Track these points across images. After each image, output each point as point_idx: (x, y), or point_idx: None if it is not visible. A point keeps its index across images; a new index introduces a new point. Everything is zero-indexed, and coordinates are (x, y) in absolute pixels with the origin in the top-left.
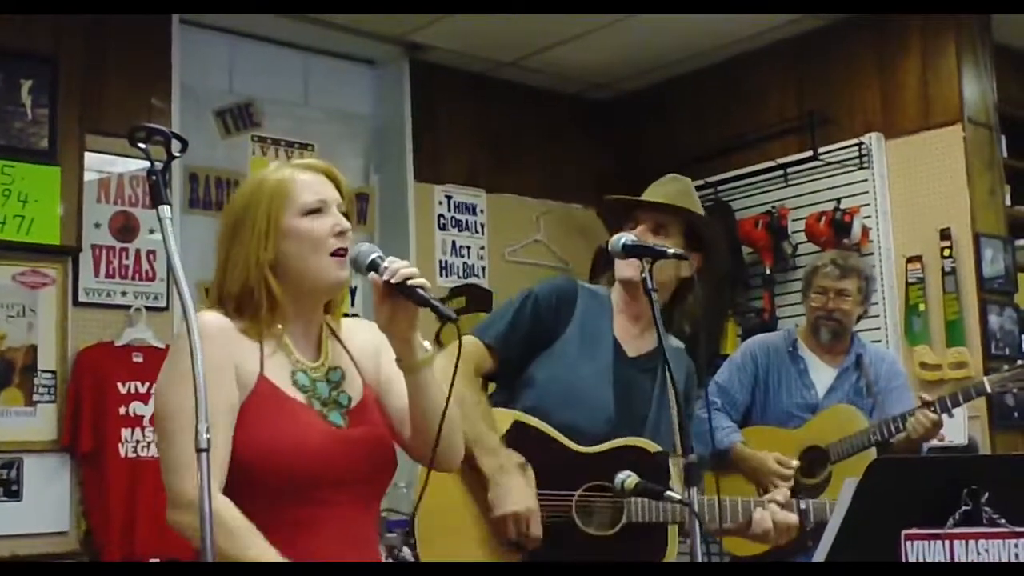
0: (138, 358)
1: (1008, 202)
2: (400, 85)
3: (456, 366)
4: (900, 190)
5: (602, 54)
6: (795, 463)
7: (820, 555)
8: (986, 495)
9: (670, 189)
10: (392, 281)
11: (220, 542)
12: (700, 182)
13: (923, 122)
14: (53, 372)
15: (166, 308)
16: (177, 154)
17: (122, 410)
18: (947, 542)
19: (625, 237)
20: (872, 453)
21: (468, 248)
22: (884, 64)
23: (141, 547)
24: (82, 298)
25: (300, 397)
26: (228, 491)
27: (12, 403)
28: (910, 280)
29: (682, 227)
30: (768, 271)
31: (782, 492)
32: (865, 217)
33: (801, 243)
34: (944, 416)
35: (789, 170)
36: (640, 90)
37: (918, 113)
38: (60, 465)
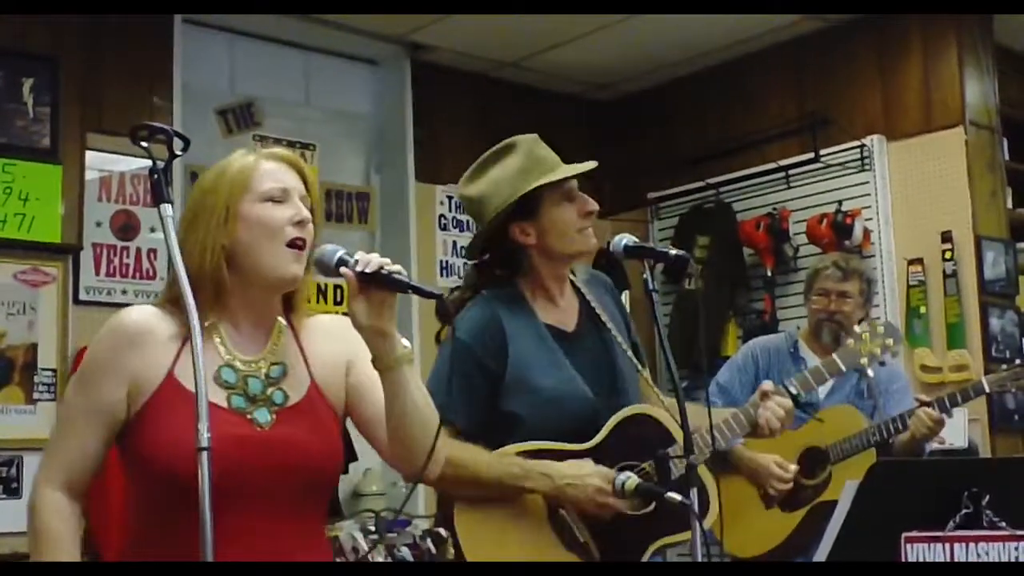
0: None
1: (1009, 205)
2: (401, 85)
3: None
4: (901, 192)
5: (603, 55)
6: (794, 467)
7: (821, 556)
8: (987, 498)
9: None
10: (367, 271)
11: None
12: (701, 183)
13: (924, 124)
14: (53, 370)
15: None
16: (179, 153)
17: None
18: (947, 544)
19: (626, 238)
20: (872, 453)
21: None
22: (886, 66)
23: None
24: (83, 296)
25: (217, 396)
26: (148, 499)
27: (12, 401)
28: (911, 283)
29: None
30: (769, 273)
31: (768, 383)
32: (866, 219)
33: (802, 245)
34: (944, 417)
35: (790, 172)
36: (641, 91)
37: (919, 115)
38: None
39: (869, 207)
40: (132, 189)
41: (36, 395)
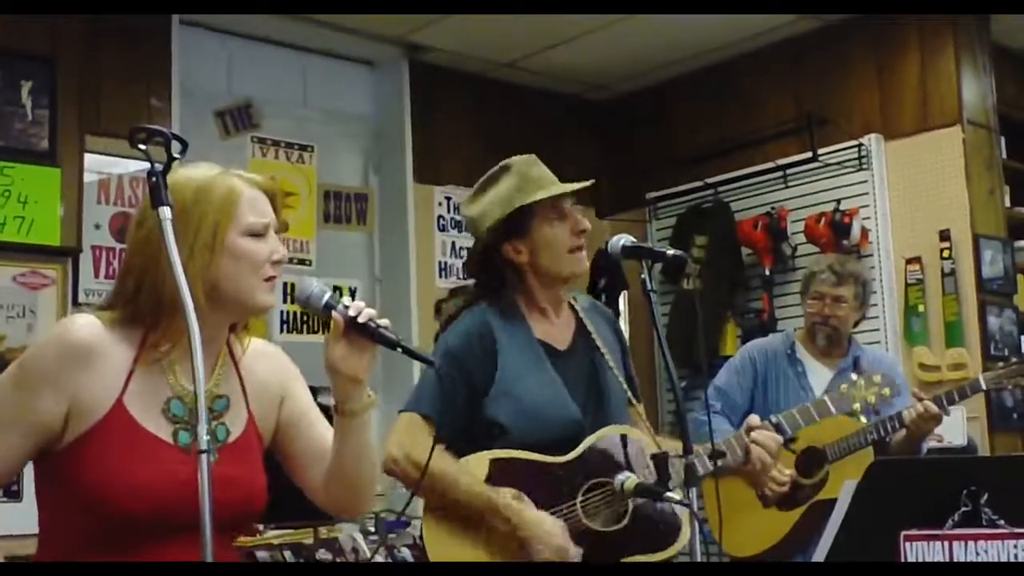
0: None
1: (1007, 203)
2: (399, 86)
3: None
4: (899, 191)
5: (601, 55)
6: (788, 471)
7: (820, 555)
8: (985, 496)
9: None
10: (359, 320)
11: None
12: (699, 183)
13: (922, 123)
14: None
15: None
16: (177, 155)
17: None
18: (946, 543)
19: (624, 239)
20: (869, 452)
21: (467, 249)
22: (883, 65)
23: None
24: (82, 299)
25: (163, 430)
26: (85, 532)
27: None
28: (909, 281)
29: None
30: (767, 272)
31: (754, 416)
32: (864, 218)
33: (800, 244)
34: (940, 414)
35: (788, 171)
36: (639, 91)
37: (917, 114)
38: None
39: (867, 206)
40: (131, 191)
41: None
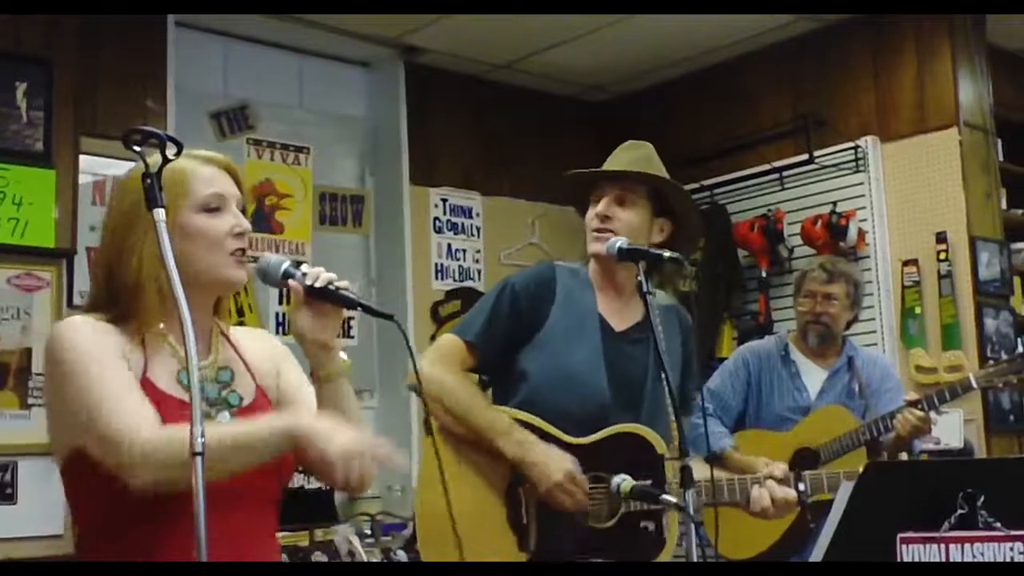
0: None
1: (1004, 205)
2: (395, 87)
3: (414, 364)
4: (896, 193)
5: (597, 57)
6: (784, 466)
7: (816, 558)
8: (982, 498)
9: (632, 156)
10: (316, 285)
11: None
12: (696, 185)
13: (919, 125)
14: None
15: None
16: (172, 157)
17: None
18: (943, 545)
19: (620, 241)
20: (862, 453)
21: (463, 251)
22: (879, 67)
23: None
24: (77, 301)
25: (185, 397)
26: (116, 498)
27: (7, 406)
28: (906, 283)
29: (647, 194)
30: (764, 274)
31: (780, 467)
32: (861, 220)
33: (797, 246)
34: (933, 415)
35: (785, 173)
36: (635, 92)
37: (914, 116)
38: (55, 468)
39: (864, 208)
40: None
41: (31, 400)
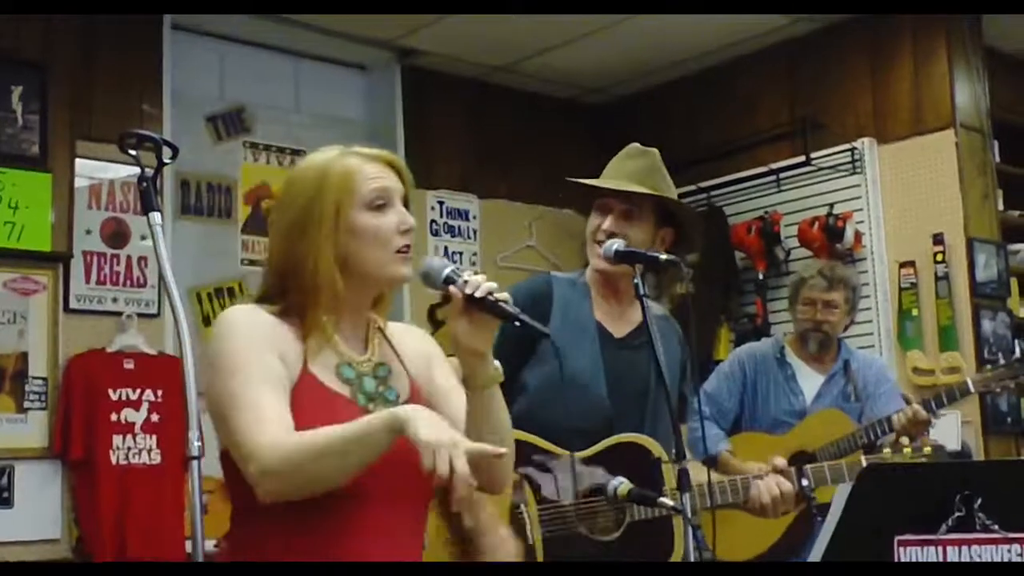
0: (129, 365)
1: (1000, 207)
2: (392, 90)
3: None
4: (893, 195)
5: (595, 59)
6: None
7: (814, 559)
8: (979, 500)
9: (637, 166)
10: (476, 295)
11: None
12: (693, 187)
13: (915, 127)
14: (44, 379)
15: (157, 315)
16: (168, 161)
17: (113, 417)
18: (940, 547)
19: (617, 243)
20: (859, 456)
21: (461, 254)
22: (876, 69)
23: (132, 554)
24: (73, 305)
25: (344, 391)
26: (286, 504)
27: (3, 410)
28: (903, 285)
29: (652, 206)
30: (761, 276)
31: (779, 460)
32: (858, 222)
33: (794, 248)
34: (930, 417)
35: (782, 175)
36: (633, 95)
37: (910, 118)
38: (51, 472)
39: (860, 210)
40: (122, 196)
41: (27, 404)
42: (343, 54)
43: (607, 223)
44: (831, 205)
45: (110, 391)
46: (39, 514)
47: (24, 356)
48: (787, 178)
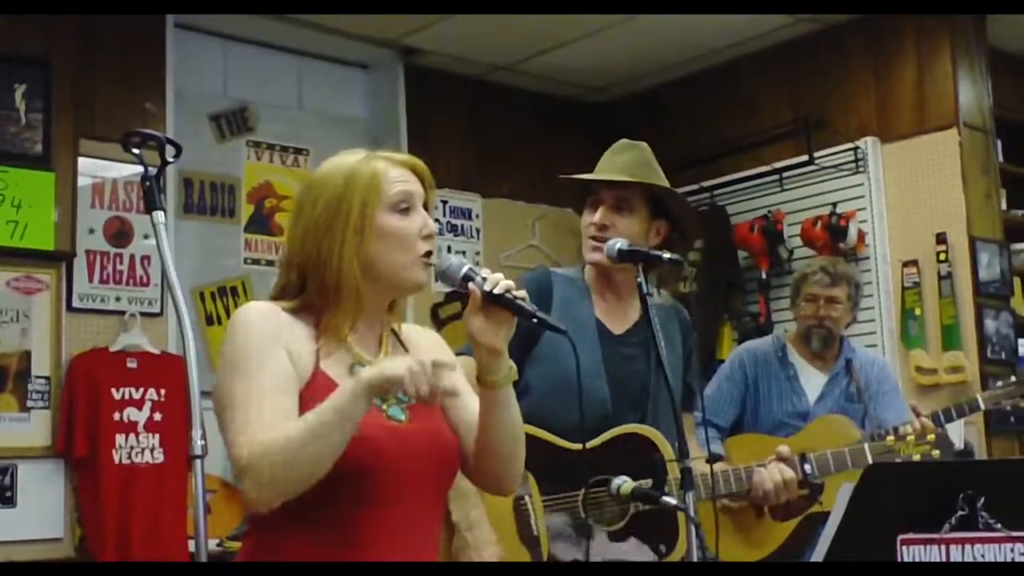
0: (132, 364)
1: (1004, 206)
2: (395, 89)
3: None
4: (896, 194)
5: (597, 58)
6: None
7: (817, 558)
8: (982, 500)
9: (627, 159)
10: (495, 292)
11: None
12: (696, 186)
13: (919, 126)
14: (47, 378)
15: (160, 314)
16: (171, 159)
17: (116, 416)
18: (943, 546)
19: (620, 242)
20: (863, 444)
21: (463, 253)
22: (879, 68)
23: (136, 553)
24: (76, 303)
25: None
26: (305, 500)
27: (6, 409)
28: (906, 284)
29: (644, 198)
30: (764, 275)
31: (783, 448)
32: (861, 221)
33: (797, 248)
34: (938, 430)
35: (785, 174)
36: (636, 94)
37: (914, 117)
38: (54, 471)
39: (863, 209)
40: (125, 195)
41: (30, 403)
42: (346, 53)
43: (598, 216)
44: (834, 204)
45: (113, 390)
46: (42, 513)
47: (27, 355)
48: (790, 177)
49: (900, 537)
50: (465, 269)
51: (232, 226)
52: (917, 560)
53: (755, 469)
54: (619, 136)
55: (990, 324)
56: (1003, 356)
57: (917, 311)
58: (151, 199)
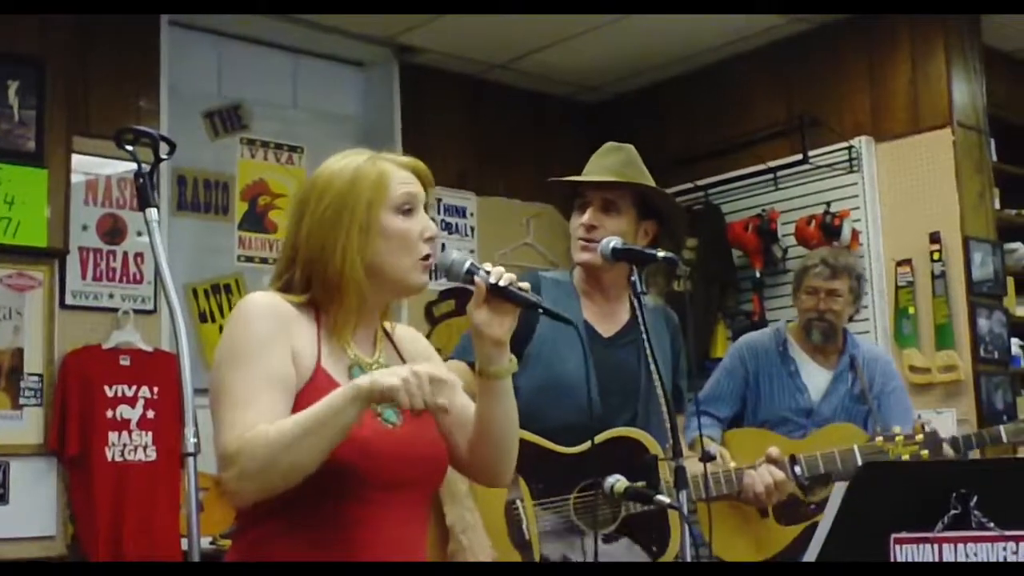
0: (125, 361)
1: (997, 206)
2: (389, 87)
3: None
4: (890, 193)
5: (592, 57)
6: (732, 464)
7: (810, 557)
8: (975, 499)
9: (614, 160)
10: (500, 284)
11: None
12: (690, 185)
13: (913, 125)
14: (40, 375)
15: (154, 311)
16: (164, 156)
17: (109, 413)
18: (936, 545)
19: (614, 241)
20: (852, 446)
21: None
22: (874, 67)
23: (128, 551)
24: (69, 301)
25: None
26: (297, 499)
27: None
28: (900, 283)
29: (632, 199)
30: (758, 274)
31: (774, 449)
32: (855, 220)
33: (791, 246)
34: (931, 416)
35: (779, 173)
36: (630, 93)
37: (908, 116)
38: (47, 469)
39: (857, 208)
40: (119, 192)
41: (22, 400)
42: (341, 51)
43: (587, 216)
44: (828, 203)
45: (106, 387)
46: (34, 511)
47: (20, 352)
48: (784, 176)
49: (893, 536)
50: (468, 264)
51: (226, 223)
52: (910, 559)
53: (745, 471)
54: (614, 134)
55: (983, 323)
56: (996, 355)
57: (910, 310)
58: (144, 196)
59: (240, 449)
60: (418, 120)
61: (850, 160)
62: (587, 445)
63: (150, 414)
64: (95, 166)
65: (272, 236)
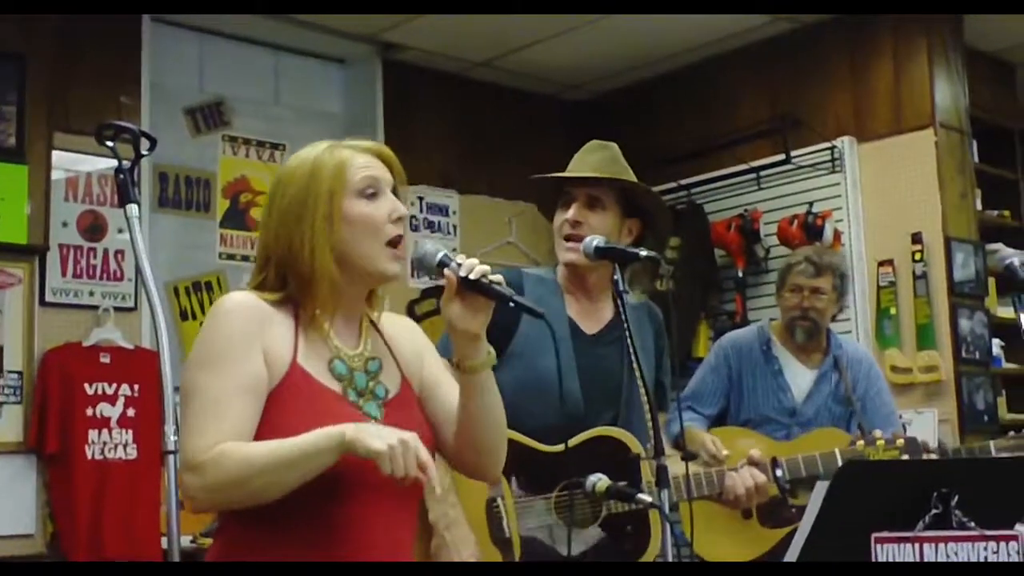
0: (105, 359)
1: (979, 206)
2: (372, 84)
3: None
4: (872, 194)
5: (576, 55)
6: (726, 452)
7: (791, 557)
8: (956, 498)
9: (598, 158)
10: (471, 277)
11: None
12: (673, 184)
13: (895, 126)
14: (19, 373)
15: (134, 308)
16: (145, 153)
17: (89, 411)
18: (917, 545)
19: (597, 240)
20: (833, 449)
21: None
22: (856, 68)
23: (108, 549)
24: (49, 298)
25: (335, 387)
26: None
27: None
28: (881, 284)
29: (617, 196)
30: (740, 274)
31: (755, 451)
32: (837, 221)
33: (773, 246)
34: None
35: (762, 173)
36: (614, 92)
37: (890, 117)
38: (26, 466)
39: (840, 208)
40: (99, 189)
41: (1, 398)
42: (323, 48)
43: (571, 212)
44: (811, 203)
45: (86, 385)
46: (13, 509)
47: None
48: (767, 176)
49: (874, 535)
50: (440, 255)
51: (207, 221)
52: (891, 559)
53: (727, 473)
54: (597, 133)
55: (965, 324)
56: (977, 356)
57: (892, 310)
58: (125, 192)
59: (211, 461)
60: (401, 118)
61: (832, 160)
62: (569, 443)
63: (130, 412)
64: (76, 162)
65: (254, 234)
